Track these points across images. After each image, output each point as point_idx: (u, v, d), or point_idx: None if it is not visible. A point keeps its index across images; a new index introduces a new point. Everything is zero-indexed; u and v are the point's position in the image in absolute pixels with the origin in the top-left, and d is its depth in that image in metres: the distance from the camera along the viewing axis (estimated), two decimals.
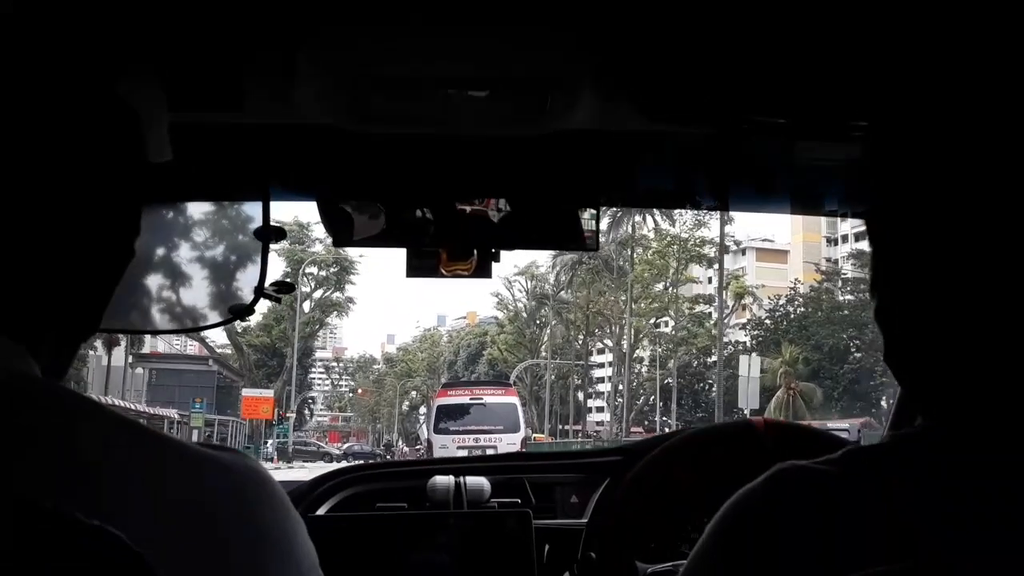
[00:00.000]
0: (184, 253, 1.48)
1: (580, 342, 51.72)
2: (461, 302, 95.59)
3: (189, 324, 1.61)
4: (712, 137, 1.34)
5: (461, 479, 1.65)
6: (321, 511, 1.68)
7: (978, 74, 0.66)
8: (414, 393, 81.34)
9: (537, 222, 1.47)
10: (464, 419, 20.98)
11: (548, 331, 51.88)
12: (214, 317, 1.47)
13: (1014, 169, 0.60)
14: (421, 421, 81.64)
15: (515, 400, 22.65)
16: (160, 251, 1.46)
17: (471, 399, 21.42)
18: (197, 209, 1.50)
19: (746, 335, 46.26)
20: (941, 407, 0.64)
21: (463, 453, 19.12)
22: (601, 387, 65.11)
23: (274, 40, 1.07)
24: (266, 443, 44.04)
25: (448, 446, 19.75)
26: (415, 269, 1.47)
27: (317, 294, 51.66)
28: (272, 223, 1.35)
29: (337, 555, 1.53)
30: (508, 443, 19.75)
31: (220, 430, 41.54)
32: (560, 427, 53.66)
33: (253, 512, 0.61)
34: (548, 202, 1.47)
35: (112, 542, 0.46)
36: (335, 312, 53.14)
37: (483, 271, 1.47)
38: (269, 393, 42.54)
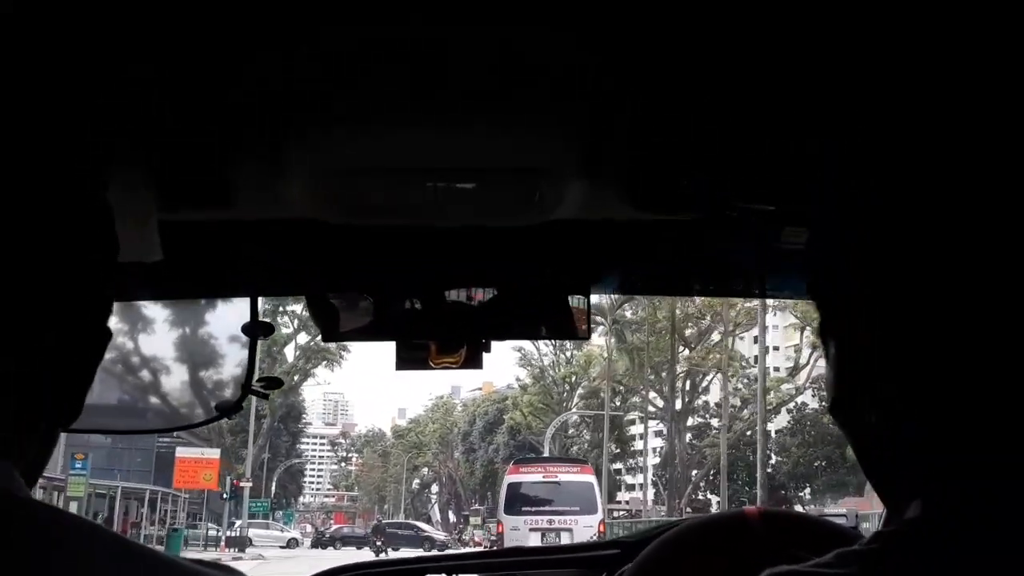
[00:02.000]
0: (171, 351, 1.69)
1: (622, 396, 51.27)
2: (476, 373, 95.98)
3: (175, 423, 1.82)
4: (701, 224, 1.47)
5: None
6: None
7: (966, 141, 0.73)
8: (425, 470, 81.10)
9: (527, 312, 1.64)
10: (537, 499, 21.86)
11: (598, 368, 50.39)
12: (201, 415, 1.68)
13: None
14: (433, 501, 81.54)
15: (591, 479, 23.38)
16: (147, 349, 1.66)
17: (544, 477, 22.37)
18: (185, 307, 1.72)
19: (814, 395, 45.58)
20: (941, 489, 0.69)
21: (536, 536, 20.19)
22: (646, 459, 64.30)
23: (259, 138, 1.21)
24: (199, 525, 40.98)
25: (520, 527, 20.62)
26: (404, 362, 1.63)
27: (302, 338, 47.53)
28: (260, 319, 1.59)
29: None
30: (584, 525, 20.64)
31: (160, 505, 38.65)
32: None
33: None
34: (538, 291, 1.64)
35: None
36: (324, 362, 49.77)
37: (473, 363, 1.63)
38: (213, 454, 38.80)
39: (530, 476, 22.69)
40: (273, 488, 56.18)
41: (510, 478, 22.98)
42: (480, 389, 79.83)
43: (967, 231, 0.69)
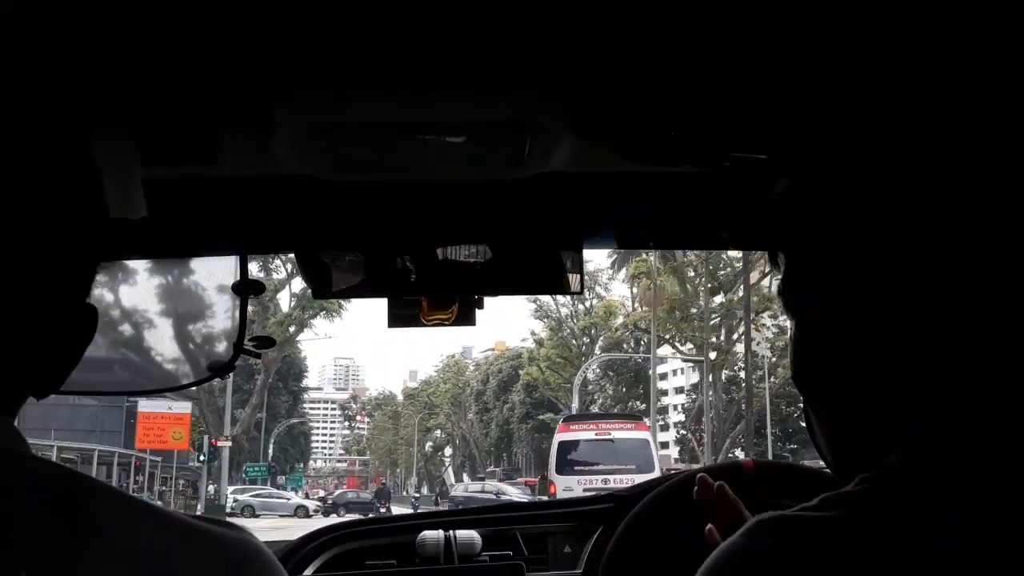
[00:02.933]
0: (161, 311, 1.79)
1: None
2: (488, 334, 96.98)
3: (167, 384, 1.93)
4: (693, 175, 1.54)
5: (451, 533, 1.90)
6: (309, 571, 1.92)
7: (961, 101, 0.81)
8: (438, 432, 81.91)
9: (520, 267, 1.70)
10: (590, 457, 22.08)
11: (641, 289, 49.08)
12: (193, 375, 1.79)
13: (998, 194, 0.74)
14: (447, 464, 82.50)
15: (647, 436, 23.50)
16: (137, 310, 1.77)
17: (597, 434, 22.61)
18: (173, 266, 1.82)
19: None
20: (926, 431, 0.76)
21: None
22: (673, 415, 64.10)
23: (247, 93, 1.26)
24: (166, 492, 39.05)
25: (573, 488, 20.54)
26: (397, 319, 1.72)
27: (297, 284, 45.62)
28: (249, 277, 1.68)
29: None
30: None
31: (116, 469, 35.91)
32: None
33: None
34: (530, 246, 1.71)
35: None
36: (322, 311, 47.92)
37: (465, 319, 1.73)
38: (183, 408, 36.86)
39: (582, 434, 22.77)
40: (271, 451, 55.14)
41: (561, 436, 23.05)
42: (492, 350, 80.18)
43: (971, 215, 0.74)
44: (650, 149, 1.37)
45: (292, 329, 47.88)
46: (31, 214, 0.75)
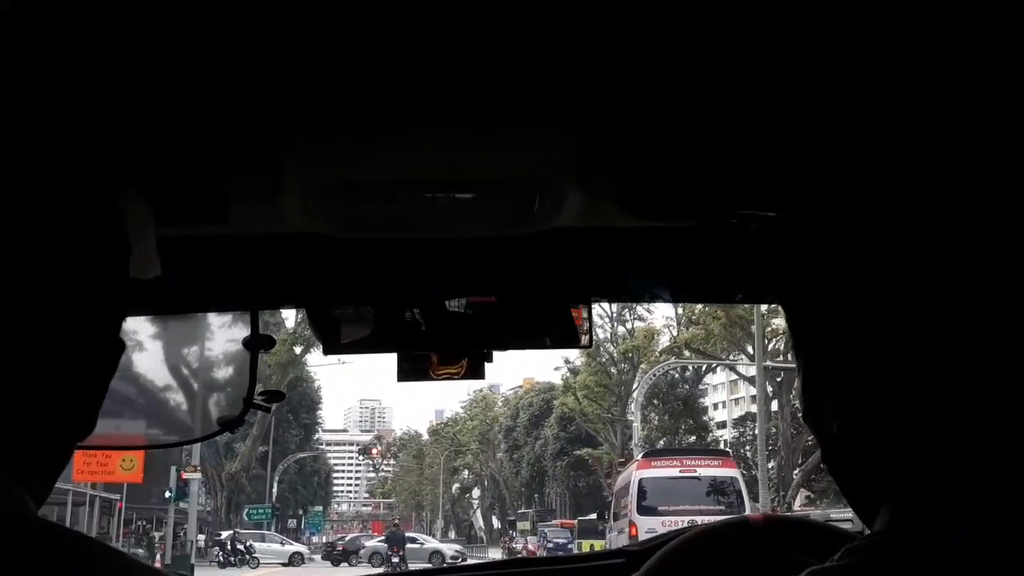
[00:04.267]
0: (171, 366, 1.98)
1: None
2: (516, 369, 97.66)
3: (176, 439, 2.12)
4: (701, 231, 1.68)
5: None
6: None
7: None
8: (465, 472, 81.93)
9: (528, 321, 1.87)
10: (674, 497, 22.24)
11: None
12: (203, 430, 1.97)
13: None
14: (475, 507, 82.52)
15: (735, 473, 23.66)
16: (150, 366, 1.95)
17: (681, 471, 22.96)
18: (184, 321, 2.01)
19: None
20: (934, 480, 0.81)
21: None
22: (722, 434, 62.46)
23: (259, 153, 1.38)
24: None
25: (658, 530, 20.05)
26: (406, 373, 1.88)
27: None
28: (260, 333, 1.86)
29: None
30: None
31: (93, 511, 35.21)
32: None
33: None
34: (539, 300, 1.87)
35: None
36: None
37: (475, 373, 1.89)
38: (135, 427, 33.86)
39: (664, 471, 22.94)
40: (274, 491, 53.49)
41: (640, 473, 23.15)
42: (520, 387, 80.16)
43: (970, 219, 0.81)
44: (657, 205, 1.47)
45: (299, 349, 47.40)
46: (56, 253, 0.81)
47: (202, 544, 40.26)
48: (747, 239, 1.72)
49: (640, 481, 22.93)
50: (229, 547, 41.28)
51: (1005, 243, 0.80)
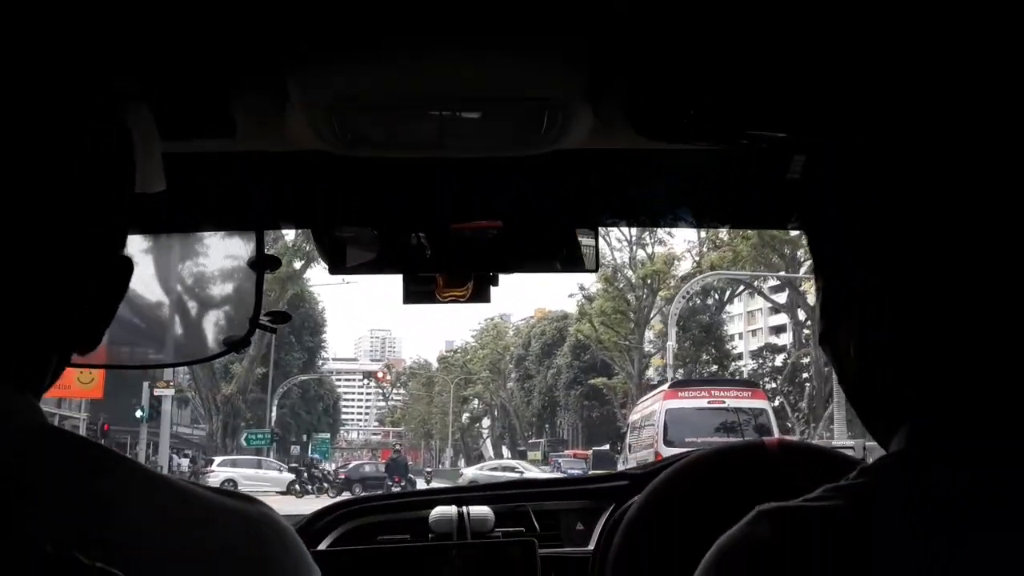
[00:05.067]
0: (178, 286, 2.06)
1: None
2: (527, 300, 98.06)
3: (184, 358, 2.21)
4: (711, 154, 1.73)
5: (464, 509, 2.18)
6: (323, 545, 2.20)
7: (968, 79, 0.90)
8: (475, 402, 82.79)
9: (535, 244, 1.93)
10: (702, 428, 22.17)
11: None
12: (209, 350, 2.06)
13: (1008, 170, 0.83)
14: (484, 436, 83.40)
15: (765, 405, 23.74)
16: (154, 285, 2.04)
17: (709, 402, 23.16)
18: (190, 241, 2.09)
19: None
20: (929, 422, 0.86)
21: None
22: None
23: (264, 68, 1.42)
24: None
25: None
26: (412, 295, 1.96)
27: None
28: (266, 253, 1.93)
29: None
30: None
31: None
32: None
33: (270, 563, 0.83)
34: (546, 224, 1.93)
35: None
36: None
37: (480, 296, 1.97)
38: None
39: (693, 401, 23.27)
40: (273, 414, 51.80)
41: (668, 404, 23.41)
42: (532, 318, 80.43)
43: (970, 219, 0.83)
44: (666, 127, 1.52)
45: (299, 264, 46.58)
46: (60, 169, 0.82)
47: (187, 470, 39.18)
48: (762, 162, 1.77)
49: (667, 411, 23.00)
50: (306, 475, 40.59)
51: (1005, 242, 0.83)
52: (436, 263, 1.96)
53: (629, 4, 1.29)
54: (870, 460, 0.92)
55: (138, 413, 35.17)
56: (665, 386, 26.34)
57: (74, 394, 34.95)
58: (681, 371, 47.08)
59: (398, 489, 37.12)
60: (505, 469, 41.62)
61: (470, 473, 43.27)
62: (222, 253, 2.01)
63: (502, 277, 2.04)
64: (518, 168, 1.80)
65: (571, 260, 1.98)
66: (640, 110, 1.49)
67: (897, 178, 0.87)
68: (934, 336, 0.85)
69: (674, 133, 1.54)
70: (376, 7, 1.29)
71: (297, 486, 39.83)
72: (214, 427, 45.92)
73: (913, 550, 0.77)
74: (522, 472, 39.07)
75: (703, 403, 23.08)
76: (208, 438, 47.64)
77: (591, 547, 2.13)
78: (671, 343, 36.73)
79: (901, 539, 0.78)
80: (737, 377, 48.95)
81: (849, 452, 2.85)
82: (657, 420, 23.43)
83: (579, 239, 1.96)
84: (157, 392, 35.48)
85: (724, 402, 23.03)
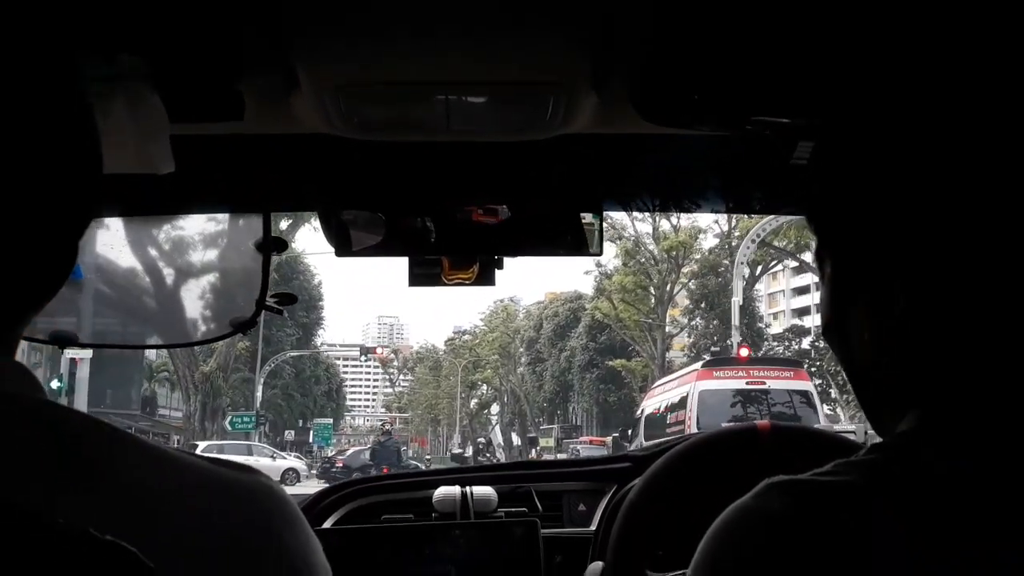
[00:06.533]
0: (185, 267, 2.21)
1: None
2: (537, 284, 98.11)
3: (191, 339, 2.37)
4: (715, 139, 1.86)
5: (467, 489, 2.36)
6: (327, 524, 2.38)
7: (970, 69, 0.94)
8: (484, 387, 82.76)
9: (539, 228, 2.08)
10: (740, 412, 21.57)
11: None
12: (216, 331, 2.22)
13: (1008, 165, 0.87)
14: (493, 423, 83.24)
15: (809, 386, 22.62)
16: (161, 266, 2.20)
17: (749, 383, 22.19)
18: (197, 223, 2.25)
19: None
20: (937, 407, 0.91)
21: None
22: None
23: (272, 51, 1.51)
24: None
25: None
26: (417, 278, 2.13)
27: None
28: (272, 235, 2.01)
29: (344, 568, 2.12)
30: None
31: None
32: None
33: (273, 535, 0.87)
34: (550, 207, 2.08)
35: (125, 557, 0.66)
36: None
37: (486, 279, 2.12)
38: None
39: (729, 382, 22.44)
40: (259, 395, 48.92)
41: (702, 384, 22.55)
42: (542, 302, 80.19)
43: (978, 188, 0.88)
44: (670, 112, 1.63)
45: (285, 224, 45.46)
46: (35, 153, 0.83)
47: None
48: (766, 147, 1.88)
49: (700, 394, 22.18)
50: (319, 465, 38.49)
51: (1011, 230, 0.87)
52: (441, 246, 2.11)
53: None
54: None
55: (54, 384, 31.60)
56: (697, 365, 25.23)
57: None
58: (708, 354, 45.99)
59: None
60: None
61: None
62: (229, 234, 2.17)
63: (508, 260, 2.18)
64: (523, 152, 1.94)
65: (576, 244, 2.13)
66: (645, 95, 1.60)
67: (908, 160, 0.92)
68: (947, 320, 0.89)
69: (678, 118, 1.65)
70: None
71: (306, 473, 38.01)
72: (191, 408, 43.83)
73: (925, 527, 0.81)
74: None
75: (741, 384, 22.30)
76: (185, 420, 45.48)
77: (593, 527, 2.30)
78: (736, 298, 34.60)
79: (913, 520, 0.82)
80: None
81: (851, 436, 3.01)
82: (690, 403, 22.67)
83: (583, 223, 2.11)
84: (71, 353, 29.85)
85: (765, 383, 22.22)
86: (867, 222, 0.95)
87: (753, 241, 36.11)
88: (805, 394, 22.23)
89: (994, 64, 0.93)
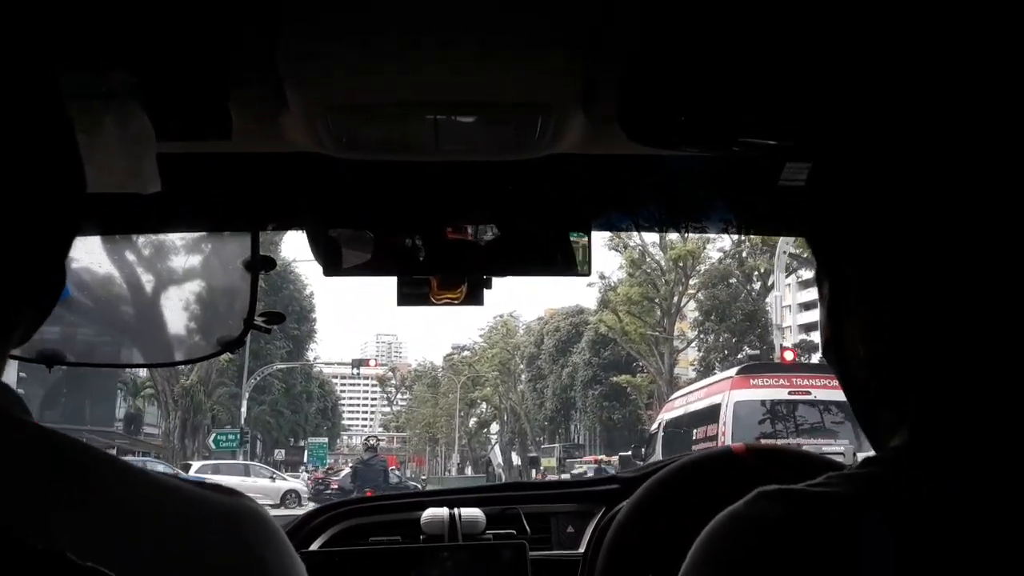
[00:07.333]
0: (173, 286, 2.28)
1: None
2: (536, 301, 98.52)
3: (177, 357, 2.43)
4: (704, 160, 1.93)
5: (455, 511, 2.43)
6: (314, 546, 2.45)
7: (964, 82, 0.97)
8: (483, 405, 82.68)
9: (528, 248, 2.15)
10: (781, 423, 20.02)
11: None
12: (203, 349, 2.28)
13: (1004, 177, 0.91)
14: (493, 442, 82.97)
15: None
16: (149, 283, 2.27)
17: (791, 392, 20.15)
18: (185, 241, 2.33)
19: None
20: (927, 425, 0.94)
21: None
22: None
23: (261, 71, 1.54)
24: None
25: None
26: (406, 297, 2.19)
27: None
28: (261, 254, 2.05)
29: None
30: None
31: None
32: None
33: (255, 556, 0.90)
34: (539, 227, 2.14)
35: None
36: None
37: (474, 299, 2.19)
38: None
39: (769, 391, 20.45)
40: (243, 411, 47.22)
41: (737, 394, 20.51)
42: (541, 318, 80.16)
43: (968, 202, 0.91)
44: (658, 133, 1.66)
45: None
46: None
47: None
48: (754, 168, 1.97)
49: (736, 404, 20.08)
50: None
51: (1004, 242, 0.91)
52: (430, 266, 2.18)
53: (622, 12, 1.43)
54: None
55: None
56: (730, 372, 22.97)
57: None
58: (717, 368, 45.63)
59: None
60: None
61: None
62: (217, 252, 2.24)
63: (497, 280, 2.25)
64: (512, 172, 2.00)
65: (564, 263, 2.20)
66: (633, 117, 1.64)
67: (902, 178, 0.95)
68: (941, 333, 0.93)
69: (665, 139, 1.69)
70: (372, 12, 1.43)
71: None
72: (171, 425, 42.62)
73: (914, 545, 0.84)
74: None
75: (783, 393, 20.16)
76: (164, 438, 44.27)
77: (581, 550, 2.37)
78: (776, 293, 33.45)
79: (903, 532, 0.85)
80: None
81: (839, 458, 3.06)
82: (723, 416, 20.50)
83: (572, 243, 2.19)
84: None
85: (810, 393, 19.87)
86: (854, 247, 0.99)
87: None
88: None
89: (985, 87, 0.96)
